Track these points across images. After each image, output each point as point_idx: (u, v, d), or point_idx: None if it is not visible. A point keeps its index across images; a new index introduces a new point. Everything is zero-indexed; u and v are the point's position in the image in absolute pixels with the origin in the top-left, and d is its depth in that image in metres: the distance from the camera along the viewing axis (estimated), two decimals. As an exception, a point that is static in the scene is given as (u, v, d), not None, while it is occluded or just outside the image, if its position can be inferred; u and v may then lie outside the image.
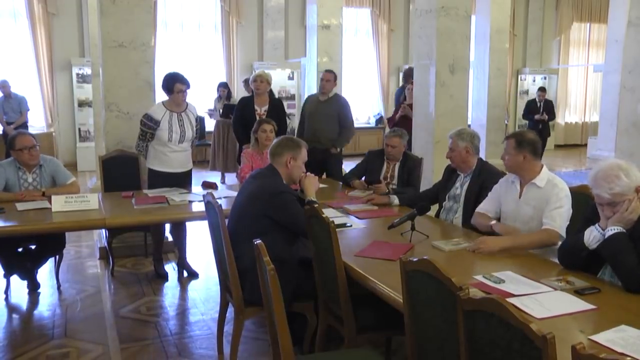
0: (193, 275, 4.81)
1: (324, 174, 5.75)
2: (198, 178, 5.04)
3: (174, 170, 4.66)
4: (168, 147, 4.59)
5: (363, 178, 4.80)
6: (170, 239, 5.16)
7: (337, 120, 6.02)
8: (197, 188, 4.65)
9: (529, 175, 3.19)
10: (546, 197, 3.08)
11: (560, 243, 2.91)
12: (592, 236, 2.50)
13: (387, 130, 5.62)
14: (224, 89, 9.47)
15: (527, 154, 3.15)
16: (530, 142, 3.17)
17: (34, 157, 4.18)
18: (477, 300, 1.74)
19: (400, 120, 7.59)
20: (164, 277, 4.75)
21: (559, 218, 3.01)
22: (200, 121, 5.12)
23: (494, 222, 3.21)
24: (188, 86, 4.60)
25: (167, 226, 5.01)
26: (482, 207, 3.41)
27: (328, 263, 2.81)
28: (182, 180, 4.68)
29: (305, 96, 7.83)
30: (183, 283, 4.72)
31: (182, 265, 4.84)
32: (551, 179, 3.15)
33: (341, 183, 5.06)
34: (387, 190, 4.37)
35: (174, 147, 4.60)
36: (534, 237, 3.02)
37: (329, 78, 6.09)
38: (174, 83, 4.52)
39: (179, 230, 4.84)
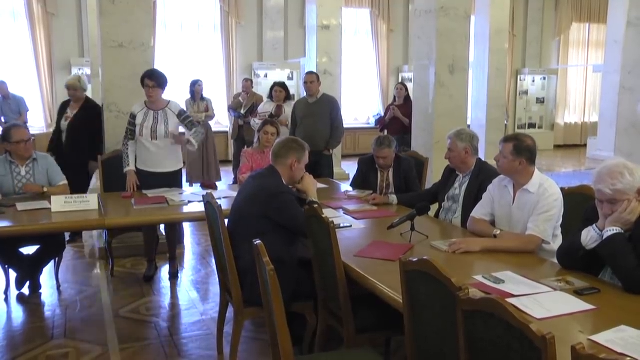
0: (172, 275, 4.76)
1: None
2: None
3: (155, 170, 4.60)
4: (143, 143, 4.57)
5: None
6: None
7: (329, 120, 6.03)
8: (196, 188, 4.64)
9: (522, 180, 3.16)
10: (536, 202, 3.07)
11: (542, 247, 2.99)
12: (589, 236, 2.50)
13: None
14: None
15: (523, 161, 3.12)
16: (529, 148, 3.13)
17: (29, 149, 4.24)
18: (476, 300, 1.74)
19: (390, 121, 7.65)
20: (149, 280, 4.71)
21: (543, 224, 3.00)
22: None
23: (498, 231, 3.17)
24: (158, 84, 4.52)
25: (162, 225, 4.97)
26: (477, 212, 3.38)
27: (327, 263, 2.82)
28: (167, 183, 4.58)
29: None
30: (183, 283, 4.72)
31: (172, 265, 4.81)
32: (542, 183, 3.12)
33: (341, 184, 5.06)
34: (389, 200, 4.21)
35: (147, 145, 4.56)
36: (514, 242, 3.02)
37: (313, 79, 6.11)
38: (144, 78, 4.55)
39: (173, 229, 4.83)
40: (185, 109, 4.74)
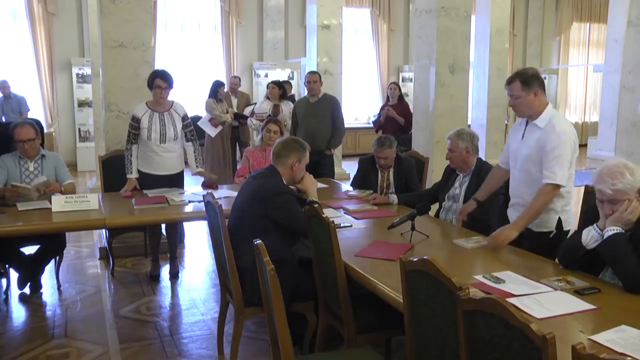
0: (173, 275, 4.77)
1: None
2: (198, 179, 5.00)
3: (160, 173, 4.58)
4: (150, 147, 4.52)
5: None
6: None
7: (330, 120, 6.02)
8: (197, 188, 4.65)
9: (535, 114, 3.02)
10: (543, 139, 2.96)
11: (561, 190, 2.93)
12: (589, 236, 2.51)
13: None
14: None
15: (537, 90, 2.98)
16: (535, 76, 3.01)
17: (32, 149, 4.20)
18: (477, 300, 1.74)
19: (386, 121, 7.60)
20: (156, 279, 4.72)
21: (558, 168, 2.91)
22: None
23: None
24: (170, 85, 4.49)
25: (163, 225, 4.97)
26: (499, 159, 3.38)
27: (328, 263, 2.82)
28: (171, 184, 4.58)
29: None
30: (183, 283, 4.72)
31: (172, 264, 4.82)
32: (551, 118, 3.00)
33: (342, 183, 5.06)
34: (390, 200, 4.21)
35: (155, 148, 4.52)
36: (536, 203, 2.94)
37: (316, 79, 6.09)
38: (155, 78, 4.49)
39: (173, 229, 4.83)
40: (186, 112, 4.70)
